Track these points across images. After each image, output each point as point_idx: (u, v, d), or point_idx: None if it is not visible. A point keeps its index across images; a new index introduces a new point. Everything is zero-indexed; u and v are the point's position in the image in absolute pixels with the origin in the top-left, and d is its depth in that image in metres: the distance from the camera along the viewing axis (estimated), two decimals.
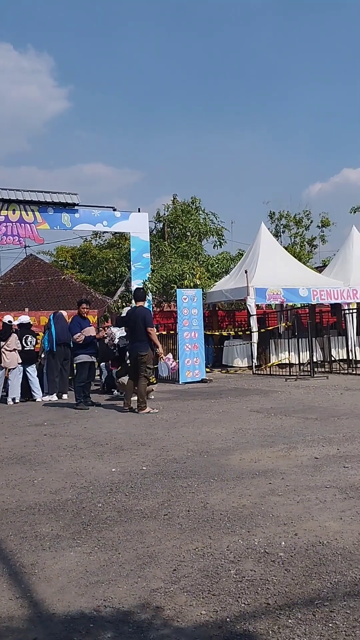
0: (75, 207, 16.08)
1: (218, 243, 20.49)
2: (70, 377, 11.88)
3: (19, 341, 11.03)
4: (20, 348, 10.98)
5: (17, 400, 11.01)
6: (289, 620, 2.43)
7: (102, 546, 3.35)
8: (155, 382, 10.63)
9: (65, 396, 11.41)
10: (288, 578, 2.83)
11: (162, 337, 14.41)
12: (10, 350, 10.86)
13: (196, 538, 3.40)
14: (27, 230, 15.52)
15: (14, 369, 10.94)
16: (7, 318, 11.36)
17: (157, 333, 14.16)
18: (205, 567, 2.99)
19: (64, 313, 12.17)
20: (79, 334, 9.57)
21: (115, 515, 3.88)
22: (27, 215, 15.50)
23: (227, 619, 2.47)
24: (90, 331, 9.72)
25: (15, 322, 11.33)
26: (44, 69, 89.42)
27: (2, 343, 10.84)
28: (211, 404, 9.31)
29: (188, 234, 19.24)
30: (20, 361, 10.96)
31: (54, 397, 11.24)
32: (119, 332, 9.75)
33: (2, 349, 10.80)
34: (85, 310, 10.05)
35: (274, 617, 2.46)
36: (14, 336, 10.98)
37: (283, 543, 3.26)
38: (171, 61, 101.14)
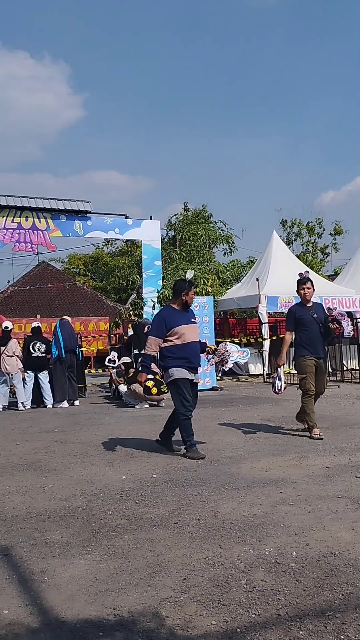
0: (88, 215, 16.19)
1: (228, 251, 20.50)
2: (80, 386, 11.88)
3: (18, 347, 11.12)
4: (20, 354, 11.06)
5: (27, 406, 11.08)
6: (300, 632, 2.40)
7: (112, 554, 3.33)
8: (166, 390, 10.61)
9: (77, 402, 11.44)
10: (299, 589, 2.79)
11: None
12: (10, 356, 10.92)
13: (206, 547, 3.38)
14: (39, 237, 15.66)
15: (16, 374, 11.01)
16: (5, 324, 11.44)
17: None
18: (216, 577, 2.96)
19: (69, 319, 12.23)
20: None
21: (125, 523, 3.87)
22: (40, 222, 15.63)
23: (237, 630, 2.44)
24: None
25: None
26: (60, 77, 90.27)
27: (2, 348, 10.91)
28: (222, 412, 9.28)
29: (198, 241, 19.26)
30: (20, 367, 11.03)
31: (65, 404, 11.26)
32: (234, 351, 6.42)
33: (2, 355, 10.87)
34: (187, 297, 6.17)
35: (284, 628, 2.43)
36: (14, 341, 11.07)
37: (294, 553, 3.22)
38: (184, 70, 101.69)
